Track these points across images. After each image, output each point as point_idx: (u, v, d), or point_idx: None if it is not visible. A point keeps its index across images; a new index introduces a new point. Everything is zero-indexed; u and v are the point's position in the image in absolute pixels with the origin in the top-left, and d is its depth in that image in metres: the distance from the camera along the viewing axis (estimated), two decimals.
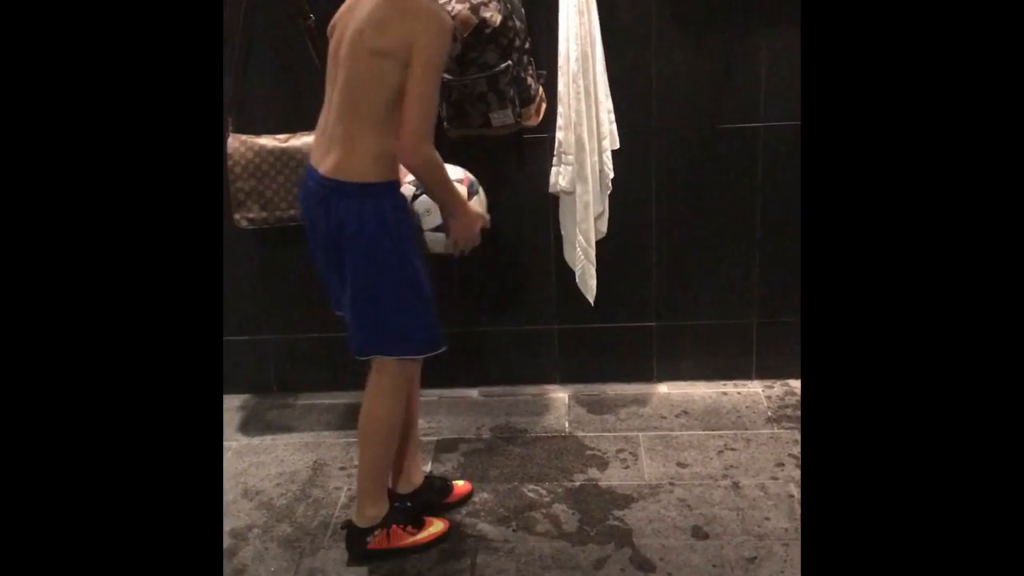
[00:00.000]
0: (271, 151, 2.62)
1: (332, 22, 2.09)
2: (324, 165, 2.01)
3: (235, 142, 2.63)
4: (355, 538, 2.20)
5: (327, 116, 2.05)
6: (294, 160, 2.61)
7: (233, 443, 2.78)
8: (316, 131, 2.11)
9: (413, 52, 1.87)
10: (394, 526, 2.20)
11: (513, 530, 2.30)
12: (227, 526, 2.37)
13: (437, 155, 1.98)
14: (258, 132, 2.66)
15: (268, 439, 2.79)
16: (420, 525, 2.25)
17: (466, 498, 2.43)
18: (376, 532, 2.19)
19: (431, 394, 2.99)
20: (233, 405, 2.97)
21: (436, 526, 2.27)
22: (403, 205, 2.07)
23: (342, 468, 2.61)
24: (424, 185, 2.05)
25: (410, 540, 2.22)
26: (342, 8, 2.08)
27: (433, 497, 2.37)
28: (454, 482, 2.44)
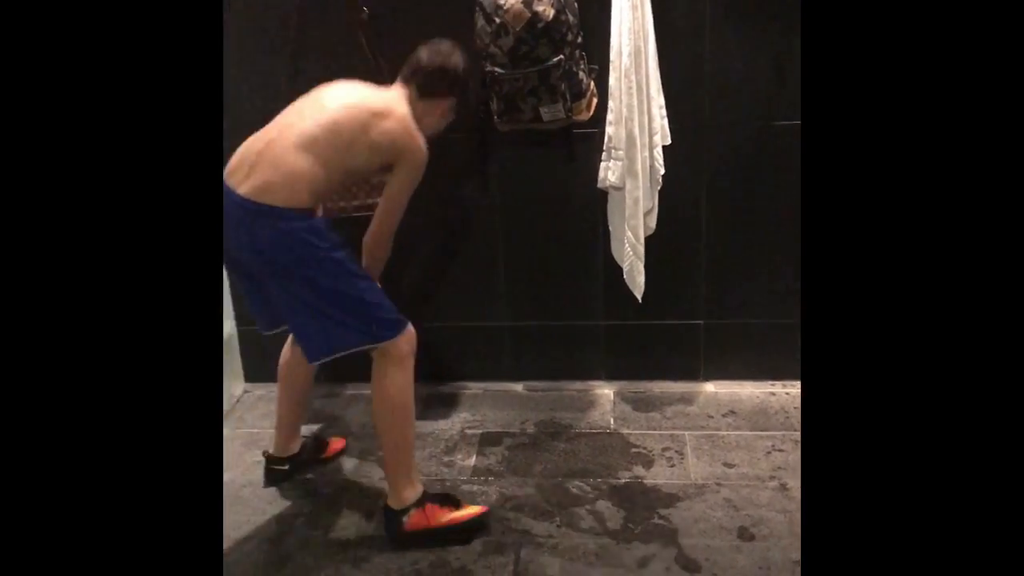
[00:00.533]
0: None
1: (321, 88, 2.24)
2: (246, 186, 2.05)
3: None
4: (392, 520, 2.22)
5: (267, 141, 2.10)
6: None
7: None
8: (242, 153, 2.13)
9: (399, 170, 2.14)
10: (429, 504, 2.22)
11: (557, 526, 2.30)
12: (273, 513, 2.40)
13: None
14: None
15: (315, 428, 2.81)
16: (457, 505, 2.28)
17: (341, 453, 2.66)
18: (412, 511, 2.20)
19: (476, 387, 3.01)
20: None
21: (471, 508, 2.29)
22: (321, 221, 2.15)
23: None
24: (369, 263, 2.25)
25: (448, 517, 2.23)
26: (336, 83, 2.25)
27: (309, 456, 2.57)
28: (331, 438, 2.67)
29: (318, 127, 2.08)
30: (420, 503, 2.21)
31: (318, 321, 2.11)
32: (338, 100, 2.15)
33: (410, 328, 2.20)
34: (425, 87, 2.19)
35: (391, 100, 2.16)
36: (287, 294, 2.12)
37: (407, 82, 2.21)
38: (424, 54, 2.20)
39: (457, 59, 2.22)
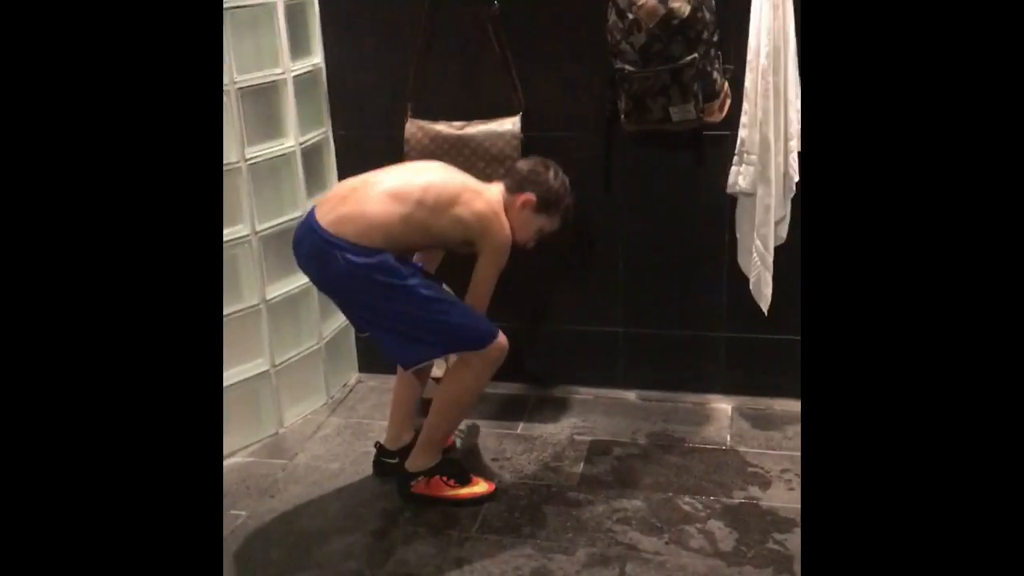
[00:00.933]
0: (446, 138, 2.63)
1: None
2: (328, 218, 2.17)
3: (412, 127, 2.66)
4: (402, 480, 2.42)
5: (361, 183, 2.25)
6: (468, 148, 2.61)
7: None
8: (335, 189, 2.33)
9: (484, 251, 2.27)
10: (436, 477, 2.38)
11: (665, 542, 2.21)
12: (379, 507, 2.40)
13: None
14: (435, 118, 2.67)
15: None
16: (465, 482, 2.40)
17: (449, 449, 2.57)
18: (420, 478, 2.39)
19: (587, 393, 2.94)
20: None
21: (480, 486, 2.41)
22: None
23: (494, 459, 2.59)
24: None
25: (448, 492, 2.39)
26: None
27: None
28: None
29: (412, 183, 2.23)
30: (430, 473, 2.37)
31: (399, 338, 2.28)
32: (439, 169, 2.33)
33: (499, 340, 2.27)
34: (514, 184, 2.33)
35: (487, 186, 2.32)
36: (366, 316, 2.31)
37: (502, 179, 2.37)
38: (522, 162, 2.41)
39: (552, 174, 2.34)
